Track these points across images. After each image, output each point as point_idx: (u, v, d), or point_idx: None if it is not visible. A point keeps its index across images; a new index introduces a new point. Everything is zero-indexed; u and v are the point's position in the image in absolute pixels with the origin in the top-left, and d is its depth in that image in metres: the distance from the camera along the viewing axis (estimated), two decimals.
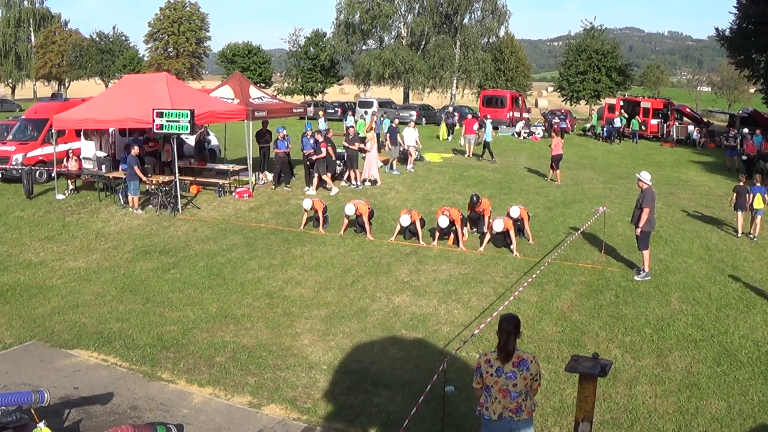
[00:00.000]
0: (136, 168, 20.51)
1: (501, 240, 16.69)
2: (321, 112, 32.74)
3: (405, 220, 16.99)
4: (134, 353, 10.93)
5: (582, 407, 6.51)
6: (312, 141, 23.49)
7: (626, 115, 47.58)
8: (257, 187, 23.78)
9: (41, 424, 7.27)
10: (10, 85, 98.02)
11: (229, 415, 9.02)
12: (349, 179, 24.42)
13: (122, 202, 21.23)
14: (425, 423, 8.56)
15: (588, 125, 51.11)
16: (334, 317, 12.49)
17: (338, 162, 24.81)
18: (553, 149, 26.40)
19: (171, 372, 10.29)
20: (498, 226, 15.92)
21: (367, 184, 24.35)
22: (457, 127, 40.44)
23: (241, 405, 9.32)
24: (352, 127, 27.52)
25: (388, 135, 29.30)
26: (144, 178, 20.91)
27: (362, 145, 24.40)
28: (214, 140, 29.24)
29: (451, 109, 47.55)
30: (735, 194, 18.92)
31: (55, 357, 10.80)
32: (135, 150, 20.91)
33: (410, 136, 28.20)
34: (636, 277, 14.54)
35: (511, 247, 16.31)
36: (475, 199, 17.59)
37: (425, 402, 7.98)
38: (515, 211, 16.84)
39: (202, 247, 17.15)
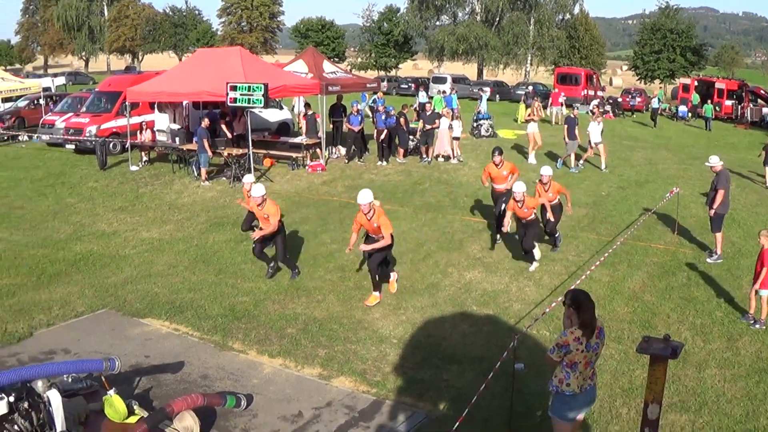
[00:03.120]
0: (204, 141, 20.57)
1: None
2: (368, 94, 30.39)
3: None
4: (206, 323, 10.94)
5: (652, 389, 6.28)
6: (384, 117, 23.28)
7: (698, 97, 45.68)
8: (330, 161, 23.69)
9: (111, 392, 7.24)
10: (84, 58, 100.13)
11: (299, 386, 8.94)
12: (421, 154, 24.14)
13: (195, 174, 21.35)
14: (494, 399, 8.39)
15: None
16: (405, 292, 12.34)
17: (411, 137, 24.55)
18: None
19: (242, 342, 10.28)
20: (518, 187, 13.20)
21: (440, 159, 24.04)
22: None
23: (311, 376, 9.24)
24: (429, 103, 27.00)
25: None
26: (209, 152, 20.79)
27: (439, 122, 23.97)
28: (287, 114, 29.31)
29: (531, 89, 46.57)
30: (765, 152, 22.04)
31: (126, 325, 10.87)
32: (206, 122, 20.97)
33: (596, 132, 23.97)
34: (708, 260, 14.17)
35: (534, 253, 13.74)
36: (497, 152, 15.15)
37: (495, 378, 7.79)
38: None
39: None
